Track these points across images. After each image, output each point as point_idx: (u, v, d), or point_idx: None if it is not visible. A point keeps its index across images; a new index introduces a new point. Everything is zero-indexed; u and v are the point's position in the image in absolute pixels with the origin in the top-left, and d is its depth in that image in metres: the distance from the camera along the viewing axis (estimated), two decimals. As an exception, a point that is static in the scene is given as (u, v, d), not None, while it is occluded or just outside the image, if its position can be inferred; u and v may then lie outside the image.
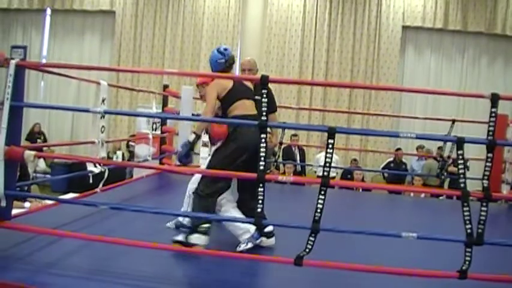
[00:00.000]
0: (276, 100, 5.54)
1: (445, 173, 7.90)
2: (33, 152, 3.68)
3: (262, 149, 3.23)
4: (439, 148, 10.15)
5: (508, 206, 7.75)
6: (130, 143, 12.19)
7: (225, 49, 4.44)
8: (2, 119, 3.57)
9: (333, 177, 10.48)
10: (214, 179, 3.97)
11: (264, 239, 4.15)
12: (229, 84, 4.18)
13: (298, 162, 11.21)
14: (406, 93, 13.62)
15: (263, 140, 3.23)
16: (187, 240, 3.85)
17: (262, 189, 3.22)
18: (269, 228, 4.17)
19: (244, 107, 4.21)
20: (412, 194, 9.58)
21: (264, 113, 3.25)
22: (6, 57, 3.64)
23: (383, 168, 12.02)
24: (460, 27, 13.32)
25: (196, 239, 3.83)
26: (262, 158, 3.23)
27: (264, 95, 3.25)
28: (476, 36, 13.56)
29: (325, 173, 3.15)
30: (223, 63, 4.37)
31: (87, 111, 4.05)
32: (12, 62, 3.60)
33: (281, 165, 10.19)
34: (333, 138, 3.15)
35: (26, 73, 3.86)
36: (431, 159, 11.39)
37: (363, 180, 11.25)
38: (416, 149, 12.22)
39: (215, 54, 4.44)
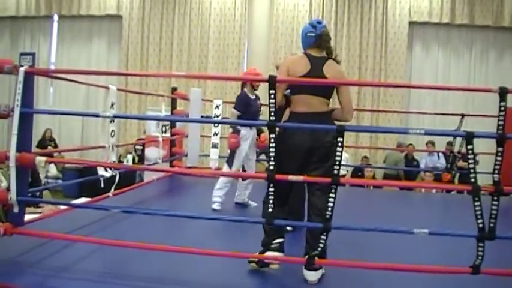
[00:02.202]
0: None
1: (455, 168, 7.85)
2: (44, 158, 3.70)
3: (272, 149, 3.23)
4: (449, 143, 10.11)
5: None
6: (137, 146, 12.24)
7: (319, 22, 3.83)
8: (13, 126, 3.59)
9: (343, 175, 10.46)
10: None
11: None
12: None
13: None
14: (414, 89, 13.52)
15: (272, 140, 3.24)
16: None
17: (272, 190, 3.23)
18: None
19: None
20: (423, 190, 9.54)
21: (273, 113, 3.25)
22: (15, 65, 3.66)
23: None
24: (467, 21, 13.21)
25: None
26: (272, 158, 3.23)
27: (272, 96, 3.24)
28: (484, 29, 13.44)
29: (335, 172, 3.15)
30: (312, 37, 3.78)
31: (96, 116, 4.07)
32: (21, 69, 3.62)
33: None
34: (342, 137, 3.15)
35: (35, 79, 3.89)
36: (397, 152, 11.43)
37: (373, 177, 11.21)
38: (426, 144, 12.17)
39: (306, 26, 3.87)
